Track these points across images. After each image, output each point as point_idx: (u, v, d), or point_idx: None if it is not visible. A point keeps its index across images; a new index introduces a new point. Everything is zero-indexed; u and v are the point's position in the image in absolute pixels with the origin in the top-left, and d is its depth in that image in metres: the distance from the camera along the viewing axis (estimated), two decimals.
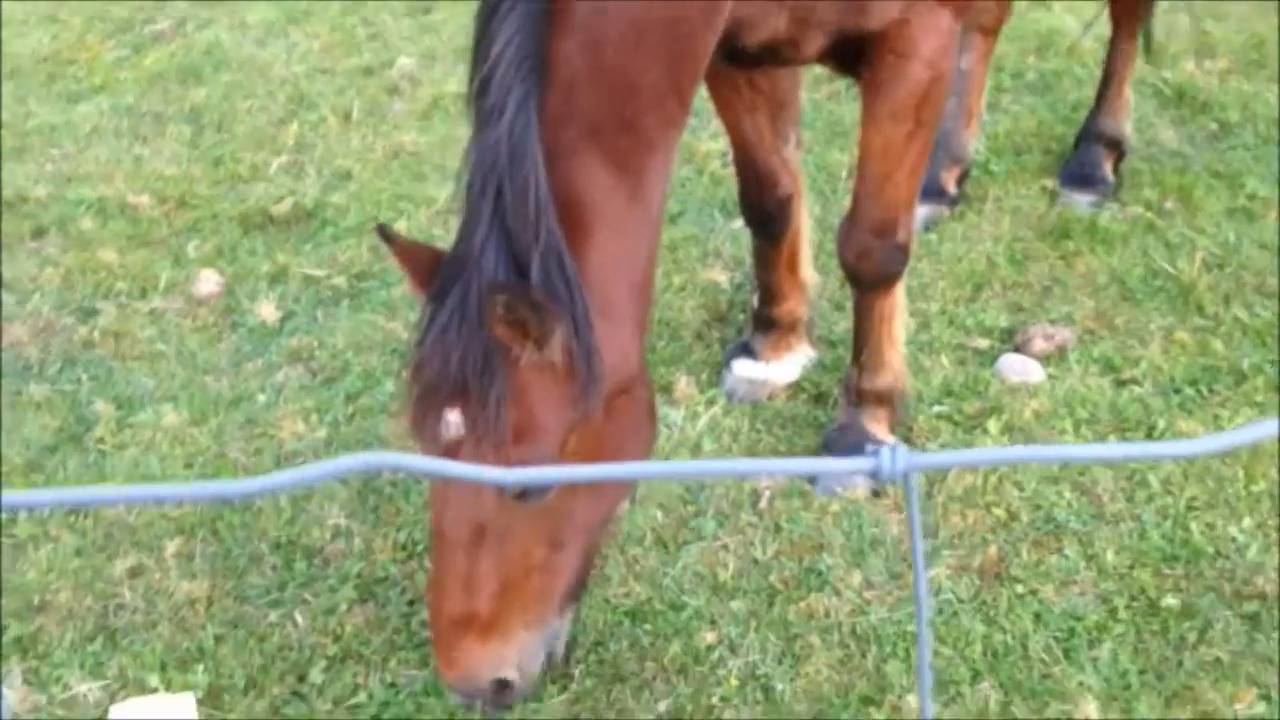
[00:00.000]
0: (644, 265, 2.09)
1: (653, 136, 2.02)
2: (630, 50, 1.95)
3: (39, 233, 3.67)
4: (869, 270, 2.66)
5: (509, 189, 1.86)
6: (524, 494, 1.99)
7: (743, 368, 3.13)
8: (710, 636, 2.45)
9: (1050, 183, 3.81)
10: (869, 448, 0.84)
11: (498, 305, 1.82)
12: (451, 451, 1.95)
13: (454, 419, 1.93)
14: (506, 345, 1.89)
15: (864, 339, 2.79)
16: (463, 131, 4.20)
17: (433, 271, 1.97)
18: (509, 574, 2.04)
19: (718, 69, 2.58)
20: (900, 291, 2.77)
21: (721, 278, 3.53)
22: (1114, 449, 0.76)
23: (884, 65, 2.33)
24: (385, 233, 2.04)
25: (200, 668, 2.32)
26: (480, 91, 1.93)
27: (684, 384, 3.14)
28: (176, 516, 2.63)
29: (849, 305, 3.38)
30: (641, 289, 2.10)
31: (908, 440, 2.92)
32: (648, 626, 2.49)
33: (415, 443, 2.07)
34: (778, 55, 2.33)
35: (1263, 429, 0.72)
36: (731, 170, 3.99)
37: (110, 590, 2.48)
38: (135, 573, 2.53)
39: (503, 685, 2.10)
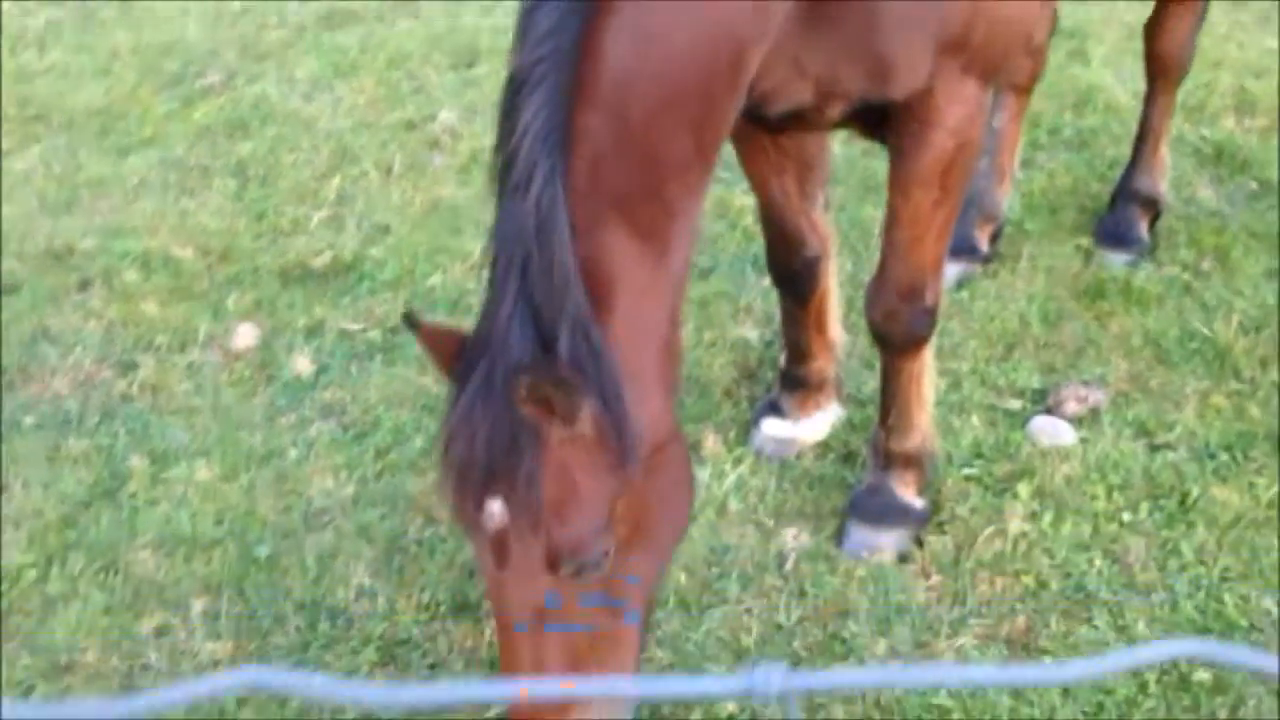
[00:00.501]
0: (669, 326, 2.09)
1: (677, 205, 2.03)
2: (656, 122, 1.96)
3: (84, 285, 3.76)
4: (896, 333, 2.65)
5: (536, 263, 1.87)
6: (580, 569, 1.96)
7: (771, 426, 3.13)
8: (732, 705, 2.43)
9: (1085, 241, 3.78)
10: (748, 667, 0.88)
11: (521, 387, 1.83)
12: (501, 541, 1.93)
13: (497, 509, 1.91)
14: (534, 423, 1.89)
15: (892, 400, 2.78)
16: None
17: (458, 354, 1.97)
18: (579, 650, 2.00)
19: (744, 130, 2.60)
20: (929, 353, 2.76)
21: (752, 334, 3.53)
22: (1000, 673, 0.75)
23: (909, 133, 2.34)
24: (410, 319, 2.04)
25: None
26: (507, 165, 1.93)
27: (712, 441, 3.14)
28: (204, 574, 2.66)
29: (878, 364, 3.38)
30: (669, 349, 2.10)
31: (936, 503, 2.90)
32: None
33: (457, 526, 2.07)
34: (802, 120, 2.34)
35: (1170, 649, 0.71)
36: None
37: (136, 650, 2.52)
38: (162, 632, 2.56)
39: None
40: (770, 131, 2.52)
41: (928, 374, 2.79)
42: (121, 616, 2.59)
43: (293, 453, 3.10)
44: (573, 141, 1.92)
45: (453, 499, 1.95)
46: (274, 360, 3.45)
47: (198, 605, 2.60)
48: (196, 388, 3.34)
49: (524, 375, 1.82)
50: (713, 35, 1.95)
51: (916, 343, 2.68)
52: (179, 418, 3.23)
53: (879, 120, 2.35)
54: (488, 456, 1.87)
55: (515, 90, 1.93)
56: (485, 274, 2.00)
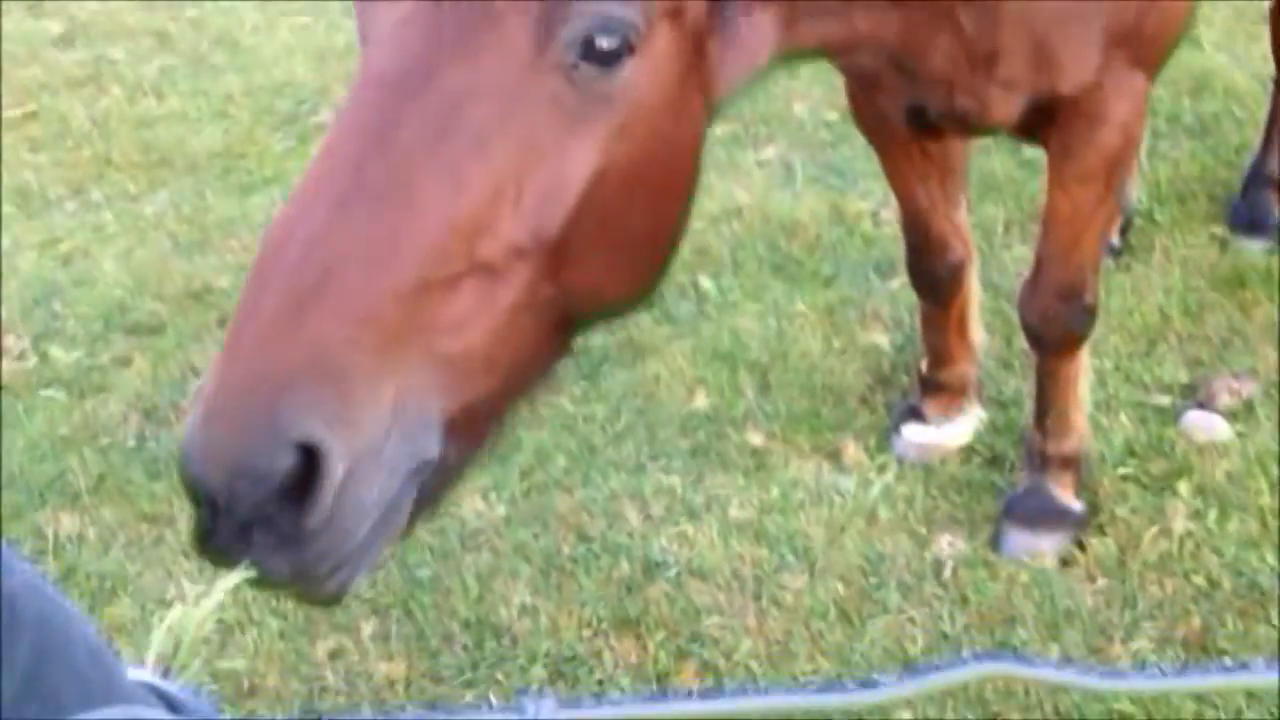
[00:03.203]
0: None
1: None
2: None
3: (223, 322, 3.85)
4: (1054, 334, 2.61)
5: None
6: (587, 48, 1.29)
7: (913, 432, 3.10)
8: (907, 715, 2.41)
9: (1219, 229, 3.70)
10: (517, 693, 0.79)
11: None
12: None
13: None
14: None
15: (1048, 403, 2.74)
16: None
17: None
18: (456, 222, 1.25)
19: (892, 137, 2.58)
20: (1085, 353, 2.72)
21: (882, 340, 3.51)
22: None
23: (1074, 130, 2.29)
24: None
25: None
26: None
27: (852, 449, 3.12)
28: (371, 597, 2.71)
29: (1018, 364, 3.34)
30: None
31: (1094, 505, 2.85)
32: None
33: None
34: (965, 121, 2.30)
35: None
36: (883, 230, 3.99)
37: (314, 673, 2.58)
38: (336, 654, 2.62)
39: (308, 459, 1.17)
40: (927, 137, 2.49)
41: (1084, 374, 2.75)
42: (296, 641, 2.65)
43: None
44: None
45: None
46: None
47: (368, 627, 2.65)
48: None
49: None
50: None
51: (1075, 343, 2.64)
52: None
53: (1039, 121, 2.30)
54: None
55: None
56: None
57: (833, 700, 0.75)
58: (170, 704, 1.23)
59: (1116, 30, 2.16)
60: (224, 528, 1.16)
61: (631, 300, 1.53)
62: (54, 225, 4.42)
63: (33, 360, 3.71)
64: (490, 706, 2.48)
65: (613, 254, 1.41)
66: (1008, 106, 2.20)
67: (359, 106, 1.27)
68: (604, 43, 1.31)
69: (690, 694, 2.43)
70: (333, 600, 1.29)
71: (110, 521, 3.05)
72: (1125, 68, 2.21)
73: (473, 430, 1.36)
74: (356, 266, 1.21)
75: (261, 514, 1.15)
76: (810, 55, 1.89)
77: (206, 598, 1.08)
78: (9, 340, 3.81)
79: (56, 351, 3.73)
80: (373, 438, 1.21)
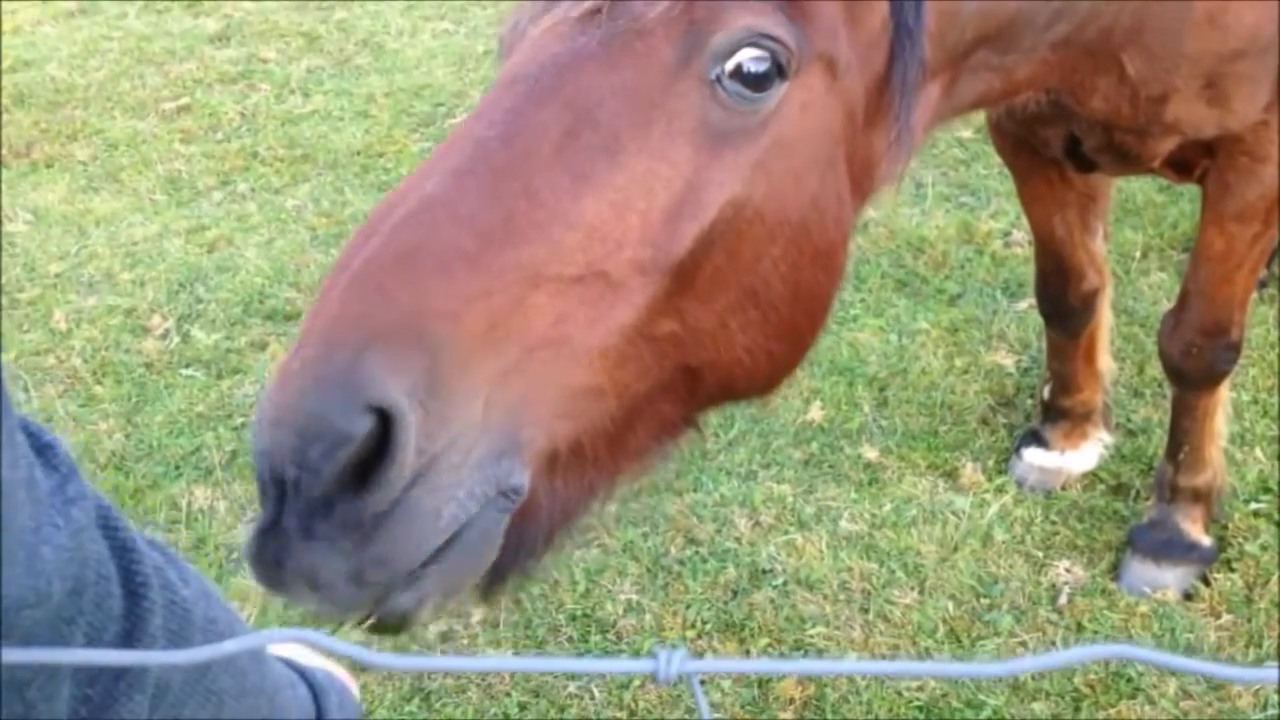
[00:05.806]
0: None
1: None
2: None
3: None
4: (1195, 369, 2.52)
5: None
6: (738, 70, 1.27)
7: (1034, 456, 3.03)
8: None
9: None
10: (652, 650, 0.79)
11: None
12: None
13: None
14: None
15: (1183, 436, 2.64)
16: None
17: None
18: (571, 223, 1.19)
19: (1030, 165, 2.53)
20: (1225, 387, 2.61)
21: (1007, 361, 3.44)
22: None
23: (1235, 167, 2.20)
24: None
25: None
26: None
27: (970, 470, 3.07)
28: None
29: (1149, 392, 3.24)
30: None
31: (1223, 539, 2.74)
32: None
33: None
34: (1125, 156, 2.21)
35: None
36: (1014, 251, 3.91)
37: (424, 654, 2.64)
38: (446, 638, 2.68)
39: (383, 426, 1.04)
40: (1079, 170, 2.43)
41: (1222, 408, 2.65)
42: None
43: None
44: None
45: None
46: None
47: (477, 613, 2.71)
48: None
49: None
50: None
51: (1215, 379, 2.54)
52: None
53: (1196, 157, 2.22)
54: None
55: None
56: None
57: (933, 670, 0.75)
58: (313, 689, 1.31)
59: None
60: (290, 516, 1.02)
61: (757, 374, 1.39)
62: (201, 214, 4.63)
63: (175, 341, 3.88)
64: (593, 697, 2.51)
65: (745, 306, 1.33)
66: (1168, 144, 2.12)
67: (487, 103, 1.24)
68: (753, 64, 1.27)
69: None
70: (398, 626, 1.14)
71: (240, 496, 3.17)
72: None
73: (572, 479, 1.22)
74: (469, 235, 1.11)
75: (330, 497, 1.01)
76: (959, 114, 1.83)
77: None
78: (154, 321, 4.00)
79: (198, 333, 3.90)
80: (457, 437, 1.06)
